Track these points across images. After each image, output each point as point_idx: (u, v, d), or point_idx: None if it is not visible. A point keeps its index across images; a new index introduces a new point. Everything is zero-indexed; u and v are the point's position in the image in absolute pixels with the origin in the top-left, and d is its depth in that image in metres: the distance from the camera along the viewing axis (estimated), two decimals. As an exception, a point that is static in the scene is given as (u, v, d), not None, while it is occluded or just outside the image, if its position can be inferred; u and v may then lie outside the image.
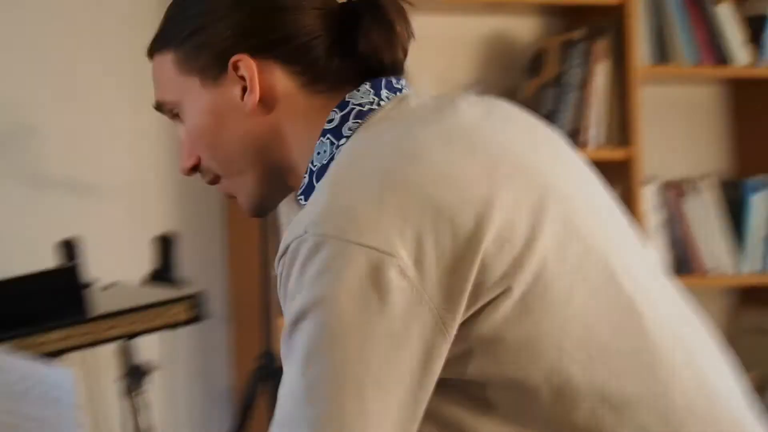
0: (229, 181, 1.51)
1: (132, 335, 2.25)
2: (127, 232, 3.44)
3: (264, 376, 3.06)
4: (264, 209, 1.51)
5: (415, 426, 1.29)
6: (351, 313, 1.25)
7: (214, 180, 1.52)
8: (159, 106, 1.52)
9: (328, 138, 1.42)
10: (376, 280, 1.25)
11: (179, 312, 2.29)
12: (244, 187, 1.50)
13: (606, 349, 1.32)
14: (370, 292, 1.26)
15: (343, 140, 1.41)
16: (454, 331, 1.28)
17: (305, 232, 1.28)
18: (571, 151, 1.45)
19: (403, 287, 1.26)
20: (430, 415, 1.31)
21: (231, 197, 1.55)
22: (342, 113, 1.42)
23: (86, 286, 2.34)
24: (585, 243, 1.33)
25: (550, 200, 1.34)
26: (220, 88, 1.46)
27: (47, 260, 2.98)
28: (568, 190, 1.37)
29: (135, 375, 2.85)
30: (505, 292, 1.29)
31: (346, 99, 1.43)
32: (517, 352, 1.29)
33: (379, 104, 1.42)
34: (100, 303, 2.32)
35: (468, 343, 1.29)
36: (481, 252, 1.28)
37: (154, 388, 3.16)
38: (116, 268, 3.10)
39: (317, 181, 1.40)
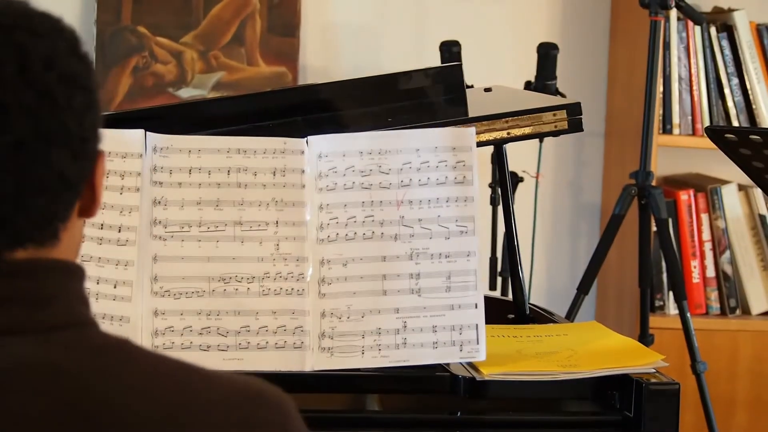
0: None
1: (507, 140, 2.24)
2: (508, 39, 3.41)
3: (634, 194, 2.99)
4: None
5: None
6: None
7: None
8: None
9: None
10: None
11: (556, 120, 2.26)
12: None
13: None
14: None
15: None
16: None
17: None
18: None
19: None
20: None
21: None
22: None
23: (467, 87, 2.33)
24: None
25: None
26: None
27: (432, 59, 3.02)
28: None
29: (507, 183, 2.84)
30: None
31: None
32: None
33: None
34: (477, 105, 2.31)
35: None
36: None
37: (522, 198, 3.17)
38: (493, 73, 3.09)
39: None
